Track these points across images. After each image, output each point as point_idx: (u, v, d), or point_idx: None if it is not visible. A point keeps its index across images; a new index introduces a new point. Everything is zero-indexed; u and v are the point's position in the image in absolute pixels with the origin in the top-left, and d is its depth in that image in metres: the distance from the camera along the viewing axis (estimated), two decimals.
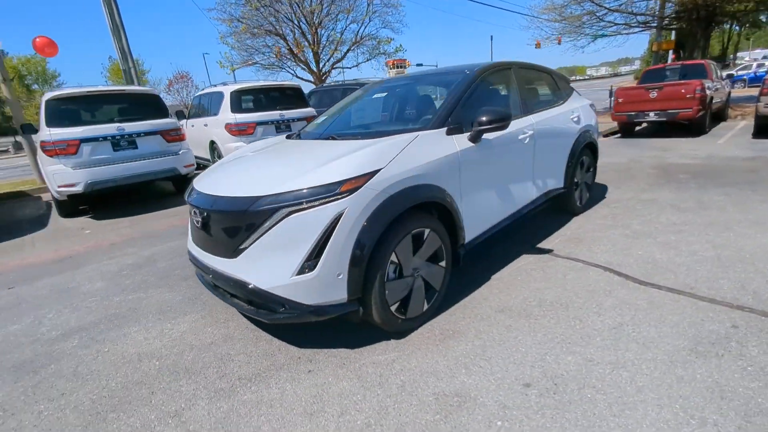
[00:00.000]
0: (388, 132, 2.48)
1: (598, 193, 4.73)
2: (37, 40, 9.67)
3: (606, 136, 9.64)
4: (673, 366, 1.84)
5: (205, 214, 2.16)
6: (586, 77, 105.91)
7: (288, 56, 13.91)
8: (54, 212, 6.29)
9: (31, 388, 2.11)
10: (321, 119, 3.41)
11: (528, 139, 3.05)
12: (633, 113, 8.43)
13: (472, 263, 3.12)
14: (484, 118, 2.44)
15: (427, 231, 2.26)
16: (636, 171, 5.75)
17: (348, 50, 14.63)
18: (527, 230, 3.72)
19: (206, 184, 2.37)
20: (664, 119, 8.05)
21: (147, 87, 6.67)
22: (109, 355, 2.36)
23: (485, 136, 2.61)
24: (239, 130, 6.82)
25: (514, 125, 2.97)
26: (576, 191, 3.95)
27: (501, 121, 2.44)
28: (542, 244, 3.39)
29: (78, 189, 5.45)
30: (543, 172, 3.33)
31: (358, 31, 14.40)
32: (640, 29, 13.81)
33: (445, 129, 2.44)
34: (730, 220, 3.55)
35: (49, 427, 1.82)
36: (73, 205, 5.97)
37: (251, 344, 2.33)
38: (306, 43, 13.80)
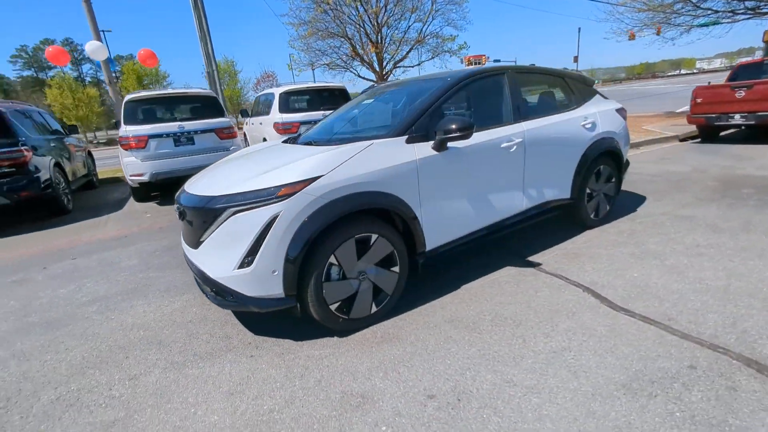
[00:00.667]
0: (353, 139, 2.58)
1: (630, 205, 4.31)
2: (141, 52, 11.25)
3: (683, 140, 8.56)
4: (592, 399, 1.71)
5: (181, 209, 2.48)
6: (694, 71, 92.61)
7: (353, 57, 14.41)
8: (132, 197, 7.37)
9: (49, 341, 2.61)
10: (319, 124, 3.61)
11: (515, 147, 2.93)
12: (713, 115, 7.37)
13: (447, 270, 3.10)
14: (445, 128, 2.43)
15: (374, 236, 2.34)
16: (692, 182, 5.08)
17: (410, 49, 14.74)
18: (525, 241, 3.55)
19: (190, 183, 2.70)
20: (753, 123, 6.92)
21: (206, 88, 7.46)
22: (112, 322, 2.81)
23: (454, 144, 2.59)
24: (285, 129, 7.32)
25: (498, 133, 2.88)
26: (590, 203, 3.66)
27: (463, 131, 2.40)
28: (534, 257, 3.23)
29: (145, 178, 6.34)
30: (538, 181, 3.16)
31: (421, 30, 14.42)
32: (748, 16, 11.85)
33: (405, 137, 2.47)
34: None
35: (45, 373, 2.27)
36: (145, 192, 6.94)
37: (219, 326, 2.61)
38: (369, 44, 14.16)
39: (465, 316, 2.46)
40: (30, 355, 2.46)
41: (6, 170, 5.54)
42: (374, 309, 2.45)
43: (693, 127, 8.45)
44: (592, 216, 3.71)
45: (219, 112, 6.99)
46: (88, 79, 61.71)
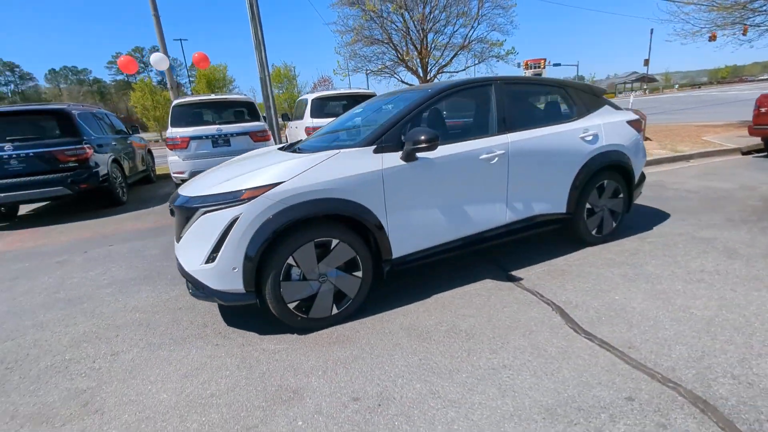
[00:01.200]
0: (327, 148, 2.70)
1: (648, 222, 4.01)
2: (195, 55, 12.27)
3: (746, 153, 7.71)
4: (509, 420, 1.68)
5: (171, 207, 2.75)
6: None
7: (399, 63, 14.58)
8: None
9: (65, 316, 3.01)
10: (317, 131, 3.78)
11: (497, 159, 2.88)
12: None
13: (425, 278, 3.12)
14: (413, 139, 2.48)
15: (335, 241, 2.44)
16: (733, 200, 4.60)
17: (454, 55, 14.59)
18: (515, 254, 3.46)
19: (185, 184, 2.97)
20: None
21: (242, 94, 7.98)
22: (119, 303, 3.16)
23: (424, 155, 2.62)
24: None
25: (477, 144, 2.86)
26: (591, 218, 3.48)
27: (428, 143, 2.44)
28: (518, 272, 3.15)
29: (185, 176, 6.92)
30: (525, 194, 3.08)
31: (466, 35, 14.21)
32: None
33: (372, 147, 2.55)
34: None
35: (51, 343, 2.63)
36: None
37: (200, 315, 2.85)
38: (414, 51, 14.26)
39: (422, 326, 2.48)
40: (46, 326, 2.86)
41: (70, 165, 6.35)
42: (335, 311, 2.55)
43: (756, 140, 7.59)
44: (593, 232, 3.53)
45: (254, 116, 7.46)
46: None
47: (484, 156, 2.85)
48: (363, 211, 2.48)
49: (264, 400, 1.93)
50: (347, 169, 2.45)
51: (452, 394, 1.87)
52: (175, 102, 7.16)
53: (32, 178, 6.18)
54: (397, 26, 13.68)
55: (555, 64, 43.73)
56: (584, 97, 3.50)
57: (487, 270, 3.22)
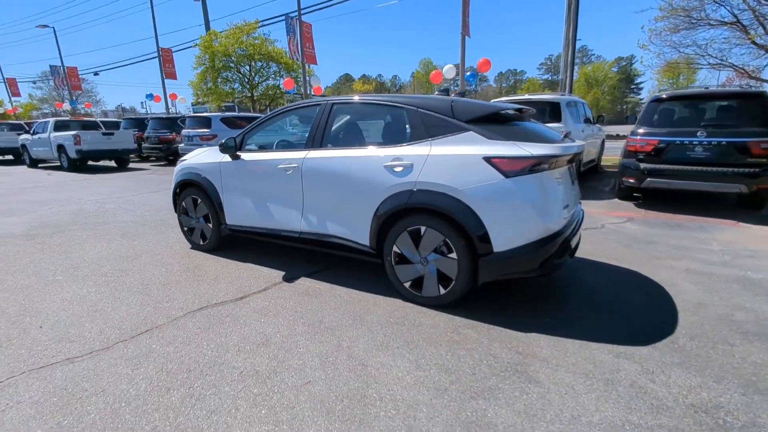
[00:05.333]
0: None
1: (609, 324, 2.51)
2: (480, 61, 13.72)
3: None
4: None
5: None
6: None
7: (750, 45, 9.28)
8: None
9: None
10: None
11: (291, 171, 3.26)
12: None
13: (274, 254, 3.94)
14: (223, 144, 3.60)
15: (199, 200, 4.03)
16: None
17: None
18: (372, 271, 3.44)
19: None
20: None
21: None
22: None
23: (243, 157, 3.62)
24: None
25: (279, 155, 3.41)
26: (403, 267, 2.86)
27: (221, 147, 3.51)
28: (309, 279, 3.33)
29: None
30: (319, 210, 3.19)
31: None
32: None
33: (220, 147, 3.81)
34: None
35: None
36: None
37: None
38: None
39: (194, 266, 3.67)
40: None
41: None
42: (202, 242, 4.16)
43: None
44: (407, 285, 2.88)
45: None
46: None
47: (281, 166, 3.35)
48: (210, 186, 3.89)
49: (106, 275, 4.04)
50: (207, 158, 3.93)
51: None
52: None
53: None
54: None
55: None
56: (430, 120, 2.76)
57: (308, 266, 3.61)
